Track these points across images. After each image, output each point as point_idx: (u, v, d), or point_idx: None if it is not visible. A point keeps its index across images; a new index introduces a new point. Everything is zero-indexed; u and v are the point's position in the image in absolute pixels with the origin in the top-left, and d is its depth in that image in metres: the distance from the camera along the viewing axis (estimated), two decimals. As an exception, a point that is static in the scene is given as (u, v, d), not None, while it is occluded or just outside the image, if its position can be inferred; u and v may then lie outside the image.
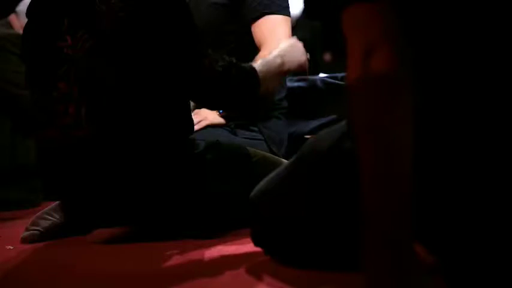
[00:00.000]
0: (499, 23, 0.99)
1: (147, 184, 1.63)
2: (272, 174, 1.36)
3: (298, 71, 1.92)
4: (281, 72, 1.87)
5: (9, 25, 2.65)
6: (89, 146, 1.62)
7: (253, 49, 2.26)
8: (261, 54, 2.21)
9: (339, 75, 2.68)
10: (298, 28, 3.45)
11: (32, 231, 1.77)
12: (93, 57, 1.62)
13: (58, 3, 1.70)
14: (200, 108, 2.18)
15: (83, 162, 1.64)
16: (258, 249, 1.37)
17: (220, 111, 2.24)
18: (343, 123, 1.21)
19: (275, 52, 1.87)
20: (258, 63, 1.80)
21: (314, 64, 3.39)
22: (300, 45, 1.95)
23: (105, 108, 1.61)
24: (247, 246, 1.48)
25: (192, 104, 1.93)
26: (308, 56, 1.94)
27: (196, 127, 1.92)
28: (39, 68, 1.73)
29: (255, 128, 2.26)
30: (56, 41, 1.67)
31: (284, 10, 2.29)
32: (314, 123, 2.57)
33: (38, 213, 1.82)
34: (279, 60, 1.85)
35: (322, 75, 2.83)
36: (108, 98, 1.61)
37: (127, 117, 1.61)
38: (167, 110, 1.66)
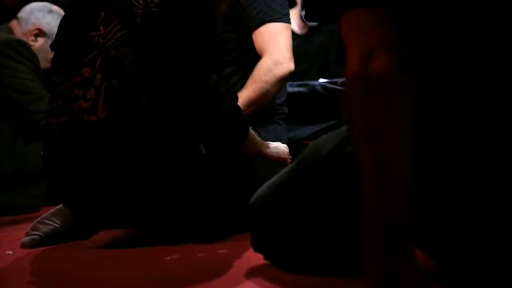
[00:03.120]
0: (497, 26, 0.99)
1: (148, 185, 1.63)
2: (272, 179, 1.36)
3: (274, 160, 1.92)
4: (259, 150, 1.88)
5: (11, 31, 2.66)
6: (97, 136, 1.63)
7: (254, 56, 2.26)
8: (262, 61, 2.22)
9: (339, 80, 2.68)
10: (313, 32, 3.44)
11: (32, 236, 1.77)
12: (122, 46, 1.66)
13: None
14: None
15: (87, 154, 1.64)
16: (258, 253, 1.37)
17: None
18: (344, 128, 1.22)
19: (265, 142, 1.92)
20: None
21: (328, 68, 3.38)
22: (286, 150, 1.97)
23: (123, 96, 1.62)
24: (246, 251, 1.48)
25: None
26: (290, 159, 1.95)
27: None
28: (67, 54, 1.76)
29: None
30: (89, 31, 1.71)
31: (284, 17, 2.30)
32: (314, 129, 2.58)
33: (38, 218, 1.82)
34: (264, 143, 1.90)
35: (322, 80, 2.84)
36: (129, 86, 1.62)
37: (143, 109, 1.61)
38: (184, 111, 1.67)
